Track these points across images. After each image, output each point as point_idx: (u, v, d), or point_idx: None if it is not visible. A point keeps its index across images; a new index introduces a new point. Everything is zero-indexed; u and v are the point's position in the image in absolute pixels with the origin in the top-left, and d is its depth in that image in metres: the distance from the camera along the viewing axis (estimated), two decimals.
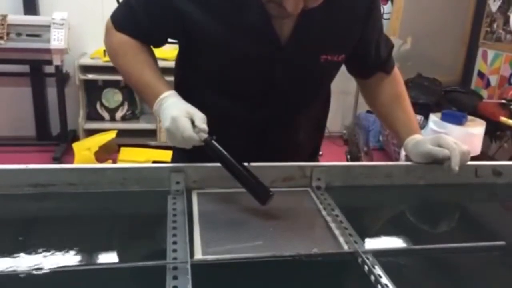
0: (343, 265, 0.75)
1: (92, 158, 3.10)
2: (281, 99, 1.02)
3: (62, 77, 3.45)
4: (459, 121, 3.10)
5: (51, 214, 0.86)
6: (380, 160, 3.70)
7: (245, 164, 0.89)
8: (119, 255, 0.74)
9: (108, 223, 0.85)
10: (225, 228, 0.81)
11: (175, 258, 0.68)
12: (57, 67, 3.33)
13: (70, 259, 0.69)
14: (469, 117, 3.21)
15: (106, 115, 3.72)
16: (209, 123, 0.88)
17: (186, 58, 1.06)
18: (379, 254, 0.74)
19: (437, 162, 1.01)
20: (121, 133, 3.42)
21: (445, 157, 0.98)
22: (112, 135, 3.31)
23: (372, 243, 0.82)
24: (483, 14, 4.18)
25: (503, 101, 3.58)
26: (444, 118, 3.15)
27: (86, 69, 3.48)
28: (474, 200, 1.08)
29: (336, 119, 4.23)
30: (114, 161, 3.18)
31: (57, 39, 3.21)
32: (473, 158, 1.04)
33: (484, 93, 4.10)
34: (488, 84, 4.11)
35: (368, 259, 0.72)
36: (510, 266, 0.80)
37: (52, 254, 0.69)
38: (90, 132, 3.55)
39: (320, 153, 1.25)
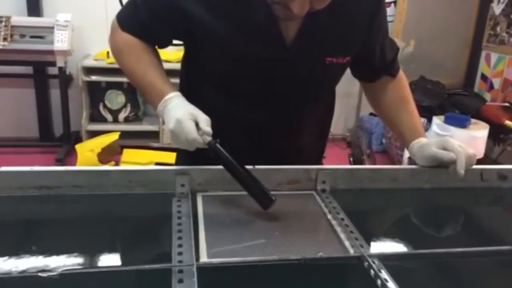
0: (349, 269, 0.75)
1: (95, 160, 3.10)
2: (285, 101, 1.02)
3: (65, 79, 3.45)
4: (462, 124, 3.09)
5: (56, 216, 0.86)
6: (383, 163, 3.70)
7: (250, 166, 0.89)
8: (124, 258, 0.73)
9: (113, 225, 0.84)
10: (230, 231, 0.80)
11: (180, 261, 0.68)
12: (60, 68, 3.33)
13: (75, 261, 0.69)
14: (472, 120, 3.20)
15: (109, 116, 3.72)
16: (213, 124, 0.88)
17: (191, 59, 1.06)
18: (385, 258, 0.73)
19: (442, 165, 1.00)
20: (124, 134, 3.42)
21: (450, 161, 0.98)
22: (115, 136, 3.31)
23: (378, 247, 0.81)
24: (486, 17, 4.18)
25: (507, 104, 3.58)
26: (448, 121, 3.14)
27: (89, 70, 3.49)
28: (480, 204, 1.08)
29: (339, 122, 4.23)
30: (117, 163, 3.19)
31: (60, 41, 3.22)
32: (477, 161, 1.03)
33: (487, 96, 4.10)
34: (491, 87, 4.11)
35: (374, 263, 0.71)
36: None
37: (57, 256, 0.69)
38: (93, 134, 3.55)
39: (324, 155, 1.24)
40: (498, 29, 4.05)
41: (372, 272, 0.70)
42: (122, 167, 0.92)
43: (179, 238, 0.74)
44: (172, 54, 3.21)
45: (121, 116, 3.73)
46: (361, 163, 3.41)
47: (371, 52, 1.07)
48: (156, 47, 1.03)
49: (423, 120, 3.41)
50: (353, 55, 1.01)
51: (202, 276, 0.65)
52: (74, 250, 0.71)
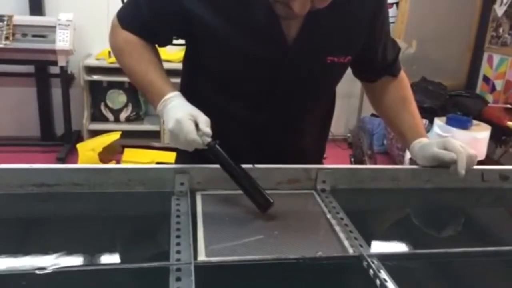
0: (348, 268, 0.74)
1: (96, 159, 3.10)
2: (285, 100, 1.02)
3: (67, 78, 3.46)
4: (464, 126, 3.09)
5: (56, 214, 0.86)
6: (384, 164, 3.68)
7: (250, 165, 0.89)
8: (123, 256, 0.73)
9: (112, 223, 0.84)
10: (229, 230, 0.80)
11: (178, 260, 0.68)
12: (62, 67, 3.34)
13: (73, 259, 0.69)
14: (474, 122, 3.20)
15: (110, 116, 3.73)
16: (213, 124, 0.88)
17: (192, 58, 1.06)
18: (384, 258, 0.73)
19: (443, 165, 1.00)
20: (125, 134, 3.42)
21: (451, 161, 0.97)
22: (116, 136, 3.31)
23: (378, 247, 0.81)
24: (488, 18, 4.17)
25: (509, 105, 3.57)
26: (449, 122, 3.14)
27: (91, 70, 3.49)
28: (481, 205, 1.07)
29: (340, 122, 4.22)
30: (118, 162, 3.18)
31: (62, 40, 3.23)
32: (478, 163, 1.03)
33: (489, 97, 4.09)
34: (493, 89, 4.10)
35: (373, 263, 0.71)
36: None
37: (55, 254, 0.69)
38: (94, 133, 3.56)
39: (325, 156, 1.24)
40: (501, 30, 4.04)
41: (371, 272, 0.70)
42: (121, 165, 0.92)
43: (178, 236, 0.74)
44: (173, 54, 3.22)
45: (123, 115, 3.74)
46: (362, 163, 3.40)
47: (373, 52, 1.07)
48: (156, 45, 1.03)
49: (425, 121, 3.40)
50: (354, 54, 1.01)
51: (200, 275, 0.64)
52: (73, 247, 0.71)
